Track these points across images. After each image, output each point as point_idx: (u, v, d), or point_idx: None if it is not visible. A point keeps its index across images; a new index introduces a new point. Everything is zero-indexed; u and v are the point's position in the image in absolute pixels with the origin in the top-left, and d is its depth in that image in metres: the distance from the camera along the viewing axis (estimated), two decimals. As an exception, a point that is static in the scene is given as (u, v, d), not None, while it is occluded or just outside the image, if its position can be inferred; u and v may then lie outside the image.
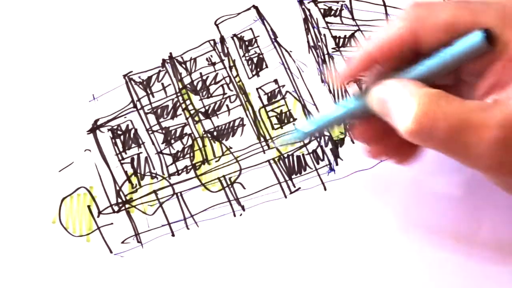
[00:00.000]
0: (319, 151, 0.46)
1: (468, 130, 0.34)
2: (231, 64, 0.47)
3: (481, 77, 0.35)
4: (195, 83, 0.47)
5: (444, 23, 0.35)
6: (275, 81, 0.47)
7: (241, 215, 0.45)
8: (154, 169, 0.46)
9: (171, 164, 0.46)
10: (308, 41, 0.48)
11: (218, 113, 0.47)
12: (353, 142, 0.45)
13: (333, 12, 0.48)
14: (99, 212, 0.45)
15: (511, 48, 0.34)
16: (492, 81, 0.35)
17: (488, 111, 0.34)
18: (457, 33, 0.35)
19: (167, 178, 0.46)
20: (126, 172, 0.46)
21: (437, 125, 0.34)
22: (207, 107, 0.47)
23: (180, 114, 0.47)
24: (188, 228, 0.45)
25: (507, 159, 0.34)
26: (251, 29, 0.48)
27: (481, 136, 0.33)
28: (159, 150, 0.46)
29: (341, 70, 0.39)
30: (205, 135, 0.46)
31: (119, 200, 0.45)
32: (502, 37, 0.34)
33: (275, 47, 0.48)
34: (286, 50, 0.48)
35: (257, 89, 0.47)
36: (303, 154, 0.46)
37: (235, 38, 0.48)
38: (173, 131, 0.46)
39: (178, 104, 0.47)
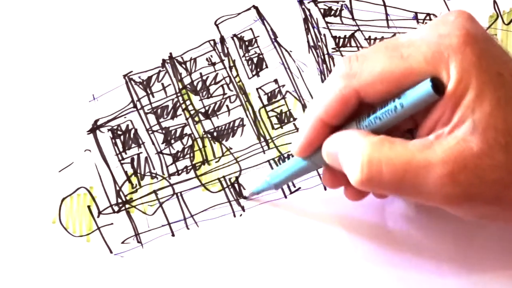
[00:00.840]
0: (319, 151, 0.46)
1: (413, 171, 0.35)
2: (231, 64, 0.47)
3: (425, 115, 0.36)
4: (195, 83, 0.47)
5: (380, 75, 0.36)
6: (275, 81, 0.47)
7: (241, 215, 0.45)
8: (154, 169, 0.46)
9: (171, 164, 0.46)
10: (308, 41, 0.48)
11: (218, 113, 0.47)
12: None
13: (333, 12, 0.48)
14: (99, 212, 0.45)
15: (451, 87, 0.34)
16: (435, 119, 0.35)
17: (430, 150, 0.35)
18: (394, 81, 0.35)
19: (167, 178, 0.46)
20: (126, 172, 0.46)
21: (382, 171, 0.35)
22: (207, 108, 0.47)
23: (180, 114, 0.47)
24: (188, 228, 0.45)
25: (454, 192, 0.34)
26: (251, 29, 0.48)
27: (426, 175, 0.34)
28: (159, 150, 0.46)
29: (297, 143, 0.40)
30: (205, 136, 0.46)
31: (119, 200, 0.45)
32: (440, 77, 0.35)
33: (275, 47, 0.48)
34: (286, 50, 0.48)
35: (257, 89, 0.47)
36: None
37: (235, 38, 0.48)
38: (173, 131, 0.46)
39: (178, 104, 0.47)
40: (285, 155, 0.46)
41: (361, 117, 0.37)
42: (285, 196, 0.45)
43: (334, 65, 0.47)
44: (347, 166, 0.37)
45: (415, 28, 0.40)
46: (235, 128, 0.46)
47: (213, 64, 0.47)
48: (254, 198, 0.45)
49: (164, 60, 0.47)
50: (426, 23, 0.48)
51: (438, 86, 0.34)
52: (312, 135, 0.39)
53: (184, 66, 0.47)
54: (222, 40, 0.48)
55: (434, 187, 0.34)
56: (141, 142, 0.46)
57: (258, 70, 0.47)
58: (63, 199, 0.45)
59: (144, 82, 0.47)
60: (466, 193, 0.35)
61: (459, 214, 0.37)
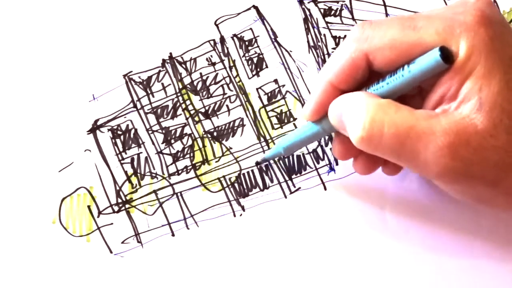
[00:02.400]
0: (319, 150, 0.46)
1: (415, 137, 0.35)
2: (231, 64, 0.47)
3: (432, 88, 0.36)
4: (195, 83, 0.47)
5: (390, 42, 0.36)
6: (275, 81, 0.47)
7: (241, 215, 0.45)
8: (154, 169, 0.46)
9: (171, 164, 0.46)
10: (308, 41, 0.48)
11: (218, 113, 0.47)
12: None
13: (333, 12, 0.48)
14: (99, 212, 0.45)
15: (459, 61, 0.34)
16: (442, 93, 0.35)
17: (435, 119, 0.35)
18: (403, 50, 0.36)
19: (167, 178, 0.46)
20: (126, 172, 0.46)
21: (384, 132, 0.35)
22: (207, 107, 0.47)
23: (180, 114, 0.47)
24: (188, 228, 0.45)
25: (453, 165, 0.34)
26: (251, 29, 0.48)
27: (427, 143, 0.34)
28: (159, 150, 0.46)
29: (307, 106, 0.40)
30: (205, 135, 0.46)
31: (119, 200, 0.45)
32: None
33: (275, 47, 0.48)
34: (286, 50, 0.48)
35: (257, 89, 0.47)
36: (303, 154, 0.46)
37: (235, 38, 0.48)
38: (173, 131, 0.46)
39: (178, 104, 0.47)
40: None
41: (370, 84, 0.37)
42: (285, 196, 0.45)
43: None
44: (350, 124, 0.37)
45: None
46: (235, 128, 0.46)
47: (213, 64, 0.47)
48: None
49: (164, 60, 0.47)
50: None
51: (448, 56, 0.34)
52: (322, 98, 0.39)
53: (184, 66, 0.47)
54: (222, 40, 0.48)
55: (433, 156, 0.34)
56: (141, 142, 0.46)
57: (258, 70, 0.47)
58: (63, 199, 0.45)
59: (144, 82, 0.47)
60: (465, 169, 0.35)
61: (454, 194, 0.37)
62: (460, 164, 0.34)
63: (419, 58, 0.35)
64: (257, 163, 0.45)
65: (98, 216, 0.45)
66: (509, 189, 0.35)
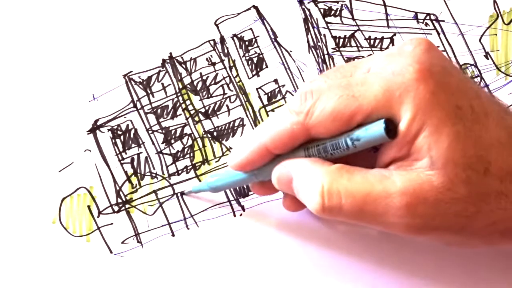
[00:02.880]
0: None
1: (372, 202, 0.35)
2: (231, 64, 0.47)
3: (383, 149, 0.36)
4: (195, 83, 0.47)
5: (331, 114, 0.36)
6: (275, 81, 0.47)
7: (241, 215, 0.45)
8: (154, 169, 0.46)
9: (171, 164, 0.46)
10: (308, 41, 0.48)
11: (218, 113, 0.47)
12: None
13: (333, 12, 0.48)
14: (99, 212, 0.45)
15: (404, 125, 0.34)
16: (393, 154, 0.35)
17: (389, 181, 0.35)
18: (344, 120, 0.35)
19: (167, 178, 0.46)
20: (126, 172, 0.46)
21: (342, 202, 0.35)
22: (207, 107, 0.47)
23: (180, 114, 0.47)
24: (188, 228, 0.45)
25: (414, 223, 0.35)
26: (251, 29, 0.48)
27: (385, 206, 0.35)
28: (159, 150, 0.46)
29: (235, 158, 0.40)
30: (205, 135, 0.46)
31: (119, 200, 0.45)
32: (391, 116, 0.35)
33: (275, 47, 0.48)
34: (286, 50, 0.48)
35: (257, 89, 0.47)
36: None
37: (235, 38, 0.48)
38: (173, 131, 0.46)
39: (178, 104, 0.47)
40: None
41: (309, 146, 0.38)
42: None
43: (334, 65, 0.48)
44: (305, 195, 0.37)
45: (376, 53, 0.39)
46: (235, 128, 0.46)
47: (213, 64, 0.47)
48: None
49: (164, 60, 0.47)
50: (426, 23, 0.48)
51: (391, 128, 0.34)
52: (254, 158, 0.39)
53: (184, 66, 0.47)
54: (222, 40, 0.48)
55: (393, 217, 0.35)
56: (141, 142, 0.46)
57: (258, 70, 0.47)
58: (63, 199, 0.45)
59: (144, 82, 0.47)
60: (427, 225, 0.35)
61: (424, 242, 0.37)
62: (420, 221, 0.34)
63: (363, 132, 0.35)
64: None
65: (98, 216, 0.45)
66: (476, 233, 0.35)
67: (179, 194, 0.45)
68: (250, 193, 0.45)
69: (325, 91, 0.36)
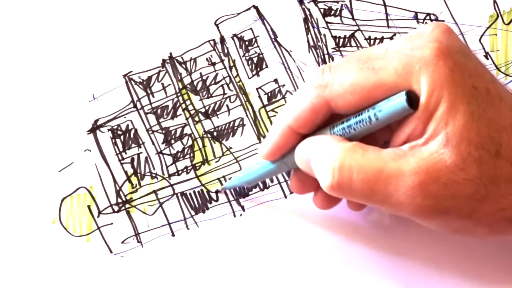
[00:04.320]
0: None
1: (384, 180, 0.35)
2: (231, 64, 0.47)
3: (399, 126, 0.36)
4: (195, 83, 0.47)
5: (350, 87, 0.36)
6: (275, 81, 0.47)
7: (241, 215, 0.45)
8: (154, 169, 0.46)
9: (171, 164, 0.46)
10: (308, 41, 0.48)
11: (218, 113, 0.47)
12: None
13: (333, 12, 0.48)
14: (99, 212, 0.45)
15: (423, 99, 0.34)
16: (409, 131, 0.35)
17: (403, 159, 0.34)
18: (364, 94, 0.35)
19: (167, 178, 0.46)
20: (126, 172, 0.46)
21: (354, 178, 0.35)
22: (207, 107, 0.47)
23: (180, 114, 0.47)
24: (188, 228, 0.45)
25: (425, 204, 0.34)
26: (251, 29, 0.48)
27: (397, 185, 0.34)
28: (159, 150, 0.46)
29: (265, 147, 0.40)
30: (205, 136, 0.46)
31: (119, 200, 0.45)
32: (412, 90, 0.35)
33: (275, 47, 0.48)
34: (286, 50, 0.48)
35: (257, 89, 0.47)
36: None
37: (235, 38, 0.48)
38: (173, 131, 0.46)
39: (178, 104, 0.47)
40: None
41: (335, 124, 0.37)
42: (285, 196, 0.45)
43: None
44: (318, 171, 0.37)
45: (393, 39, 0.40)
46: (235, 128, 0.46)
47: (213, 64, 0.47)
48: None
49: (164, 60, 0.47)
50: (426, 23, 0.48)
51: (413, 100, 0.34)
52: (281, 141, 0.39)
53: (184, 66, 0.47)
54: (222, 40, 0.48)
55: (405, 197, 0.34)
56: (141, 142, 0.46)
57: (258, 70, 0.47)
58: (63, 199, 0.45)
59: (144, 82, 0.47)
60: (438, 206, 0.34)
61: (431, 227, 0.37)
62: (432, 202, 0.34)
63: (383, 102, 0.35)
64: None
65: (98, 216, 0.45)
66: (484, 218, 0.35)
67: (179, 194, 0.45)
68: (250, 193, 0.45)
69: (344, 64, 0.36)
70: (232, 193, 0.45)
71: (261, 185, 0.45)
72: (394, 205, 0.35)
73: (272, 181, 0.45)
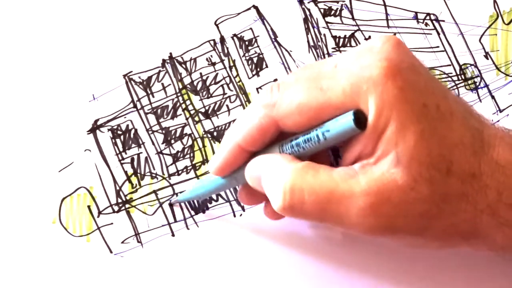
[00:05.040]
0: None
1: (336, 201, 0.34)
2: (231, 64, 0.47)
3: (348, 145, 0.36)
4: (195, 83, 0.47)
5: (298, 107, 0.36)
6: (275, 81, 0.47)
7: (241, 215, 0.45)
8: (154, 169, 0.46)
9: (171, 164, 0.46)
10: (308, 41, 0.48)
11: (218, 113, 0.47)
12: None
13: (333, 12, 0.48)
14: (99, 212, 0.45)
15: (371, 119, 0.34)
16: (359, 150, 0.35)
17: (353, 180, 0.34)
18: (312, 114, 0.35)
19: (167, 178, 0.46)
20: (126, 172, 0.46)
21: (305, 200, 0.35)
22: (207, 107, 0.47)
23: (180, 114, 0.47)
24: (188, 228, 0.45)
25: (377, 224, 0.34)
26: (251, 29, 0.48)
27: (349, 206, 0.34)
28: (159, 150, 0.46)
29: (214, 163, 0.40)
30: (205, 136, 0.46)
31: (119, 200, 0.45)
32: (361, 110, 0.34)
33: (275, 47, 0.48)
34: (286, 50, 0.48)
35: (257, 89, 0.47)
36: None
37: (235, 38, 0.48)
38: (173, 131, 0.46)
39: (178, 104, 0.47)
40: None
41: (284, 142, 0.37)
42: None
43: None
44: (270, 192, 0.37)
45: (344, 52, 0.39)
46: (235, 128, 0.46)
47: (213, 64, 0.47)
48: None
49: (164, 60, 0.47)
50: (426, 23, 0.48)
51: (362, 120, 0.34)
52: (230, 158, 0.39)
53: (184, 66, 0.47)
54: (222, 40, 0.48)
55: (357, 217, 0.34)
56: (141, 142, 0.46)
57: (258, 70, 0.47)
58: (63, 199, 0.45)
59: (144, 82, 0.47)
60: (390, 225, 0.35)
61: (387, 242, 0.37)
62: (384, 221, 0.34)
63: (331, 122, 0.35)
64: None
65: (98, 216, 0.45)
66: (436, 235, 0.35)
67: (179, 194, 0.45)
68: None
69: (292, 84, 0.36)
70: (232, 193, 0.45)
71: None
72: (346, 225, 0.35)
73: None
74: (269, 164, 0.37)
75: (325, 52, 0.48)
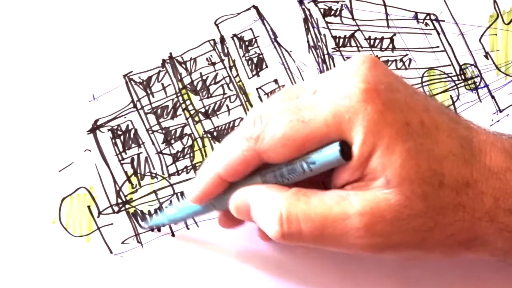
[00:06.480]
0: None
1: (331, 225, 0.35)
2: (231, 64, 0.47)
3: (337, 171, 0.36)
4: (195, 83, 0.47)
5: (281, 140, 0.36)
6: (275, 81, 0.47)
7: (241, 215, 0.45)
8: (154, 169, 0.46)
9: (171, 164, 0.46)
10: (308, 41, 0.48)
11: (218, 113, 0.47)
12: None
13: (333, 12, 0.48)
14: (99, 212, 0.45)
15: (357, 147, 0.34)
16: (348, 176, 0.35)
17: (346, 202, 0.35)
18: (296, 146, 0.35)
19: (167, 178, 0.46)
20: (126, 172, 0.46)
21: (302, 228, 0.35)
22: (207, 107, 0.47)
23: (180, 114, 0.47)
24: (188, 228, 0.45)
25: (374, 242, 0.35)
26: (251, 29, 0.48)
27: (344, 228, 0.35)
28: (159, 150, 0.46)
29: (193, 192, 0.39)
30: (205, 135, 0.46)
31: (119, 200, 0.45)
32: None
33: (275, 47, 0.48)
34: (286, 50, 0.48)
35: (257, 89, 0.47)
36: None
37: (235, 38, 0.48)
38: (173, 131, 0.46)
39: (178, 104, 0.47)
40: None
41: (265, 172, 0.37)
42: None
43: (334, 65, 0.48)
44: (263, 223, 0.37)
45: (321, 75, 0.39)
46: (235, 128, 0.46)
47: (213, 64, 0.47)
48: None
49: (164, 60, 0.47)
50: (426, 23, 0.48)
51: (346, 150, 0.34)
52: (209, 188, 0.39)
53: (184, 66, 0.47)
54: (222, 40, 0.48)
55: (353, 238, 0.35)
56: (141, 142, 0.46)
57: (258, 70, 0.47)
58: (63, 199, 0.45)
59: (144, 82, 0.47)
60: (386, 242, 0.35)
61: (386, 258, 0.37)
62: (380, 239, 0.35)
63: (317, 155, 0.35)
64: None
65: (98, 216, 0.45)
66: (435, 246, 0.36)
67: (179, 194, 0.45)
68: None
69: (274, 115, 0.36)
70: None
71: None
72: (345, 246, 0.35)
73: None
74: (258, 195, 0.37)
75: (325, 52, 0.48)
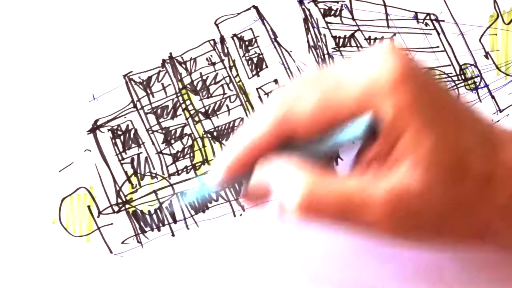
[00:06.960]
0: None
1: (355, 203, 0.35)
2: (231, 64, 0.47)
3: (362, 151, 0.36)
4: (195, 83, 0.47)
5: (310, 115, 0.36)
6: (275, 81, 0.47)
7: (241, 215, 0.45)
8: (154, 169, 0.46)
9: (171, 164, 0.46)
10: (308, 41, 0.48)
11: (218, 113, 0.47)
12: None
13: (333, 12, 0.48)
14: (99, 212, 0.45)
15: (387, 124, 0.34)
16: (373, 155, 0.35)
17: (371, 186, 0.35)
18: (324, 123, 0.35)
19: (167, 178, 0.46)
20: (126, 172, 0.46)
21: (325, 204, 0.35)
22: (207, 107, 0.47)
23: (180, 114, 0.47)
24: (188, 228, 0.45)
25: (397, 224, 0.35)
26: (251, 29, 0.48)
27: (367, 206, 0.34)
28: (159, 150, 0.46)
29: (220, 167, 0.39)
30: (205, 135, 0.46)
31: (119, 200, 0.45)
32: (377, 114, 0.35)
33: (275, 47, 0.48)
34: (286, 50, 0.48)
35: (257, 89, 0.47)
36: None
37: (235, 38, 0.48)
38: (173, 131, 0.46)
39: (178, 104, 0.47)
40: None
41: (293, 147, 0.37)
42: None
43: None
44: (285, 198, 0.36)
45: (349, 58, 0.39)
46: (235, 128, 0.46)
47: (213, 64, 0.47)
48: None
49: (164, 60, 0.47)
50: (426, 23, 0.48)
51: (376, 125, 0.34)
52: (238, 161, 0.38)
53: (184, 66, 0.47)
54: (222, 40, 0.48)
55: (376, 217, 0.35)
56: (141, 142, 0.46)
57: (258, 70, 0.47)
58: (63, 199, 0.45)
59: (144, 82, 0.47)
60: (409, 223, 0.35)
61: (403, 245, 0.38)
62: (402, 221, 0.35)
63: (347, 131, 0.35)
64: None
65: (98, 216, 0.45)
66: (450, 234, 0.36)
67: (179, 194, 0.45)
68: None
69: (303, 92, 0.36)
70: (232, 193, 0.45)
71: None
72: (366, 225, 0.35)
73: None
74: (282, 171, 0.37)
75: (325, 52, 0.48)
